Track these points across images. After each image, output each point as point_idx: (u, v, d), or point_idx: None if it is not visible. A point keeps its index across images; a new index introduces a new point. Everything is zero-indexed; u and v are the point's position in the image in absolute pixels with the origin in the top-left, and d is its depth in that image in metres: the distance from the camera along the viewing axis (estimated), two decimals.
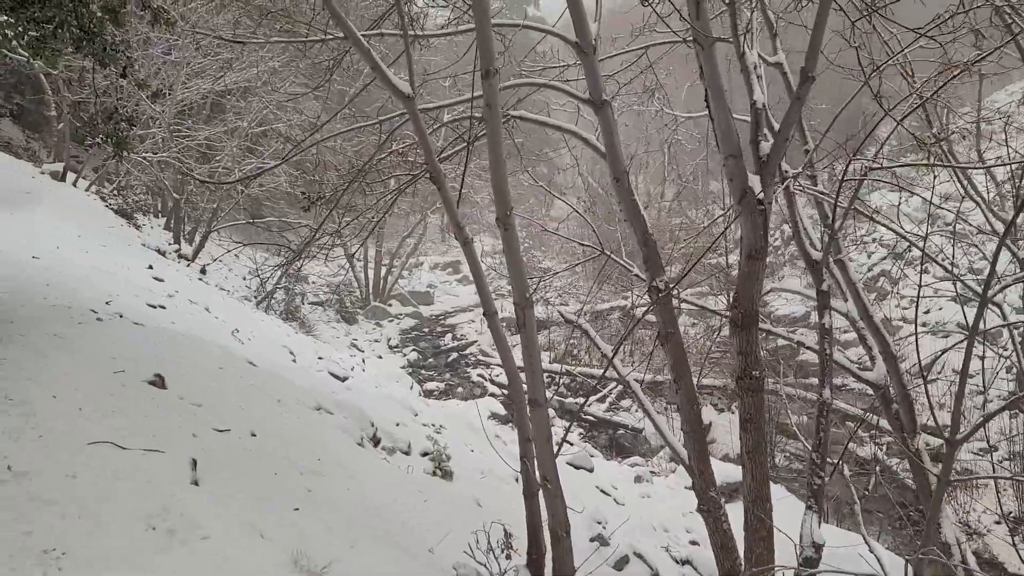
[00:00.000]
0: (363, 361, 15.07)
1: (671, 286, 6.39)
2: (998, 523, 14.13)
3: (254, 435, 5.42)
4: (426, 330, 24.38)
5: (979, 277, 25.60)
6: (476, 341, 22.53)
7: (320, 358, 11.91)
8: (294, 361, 10.44)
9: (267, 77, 22.00)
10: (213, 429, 5.12)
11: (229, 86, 19.98)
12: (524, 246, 39.87)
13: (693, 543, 10.03)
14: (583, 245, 8.37)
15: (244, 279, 25.21)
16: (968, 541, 13.14)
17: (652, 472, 14.37)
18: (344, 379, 10.85)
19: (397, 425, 8.65)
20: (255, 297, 22.06)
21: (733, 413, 18.64)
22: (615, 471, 12.29)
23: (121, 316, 8.21)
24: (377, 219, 7.27)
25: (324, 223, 6.85)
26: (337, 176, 6.90)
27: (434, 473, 7.89)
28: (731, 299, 5.87)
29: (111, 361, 5.75)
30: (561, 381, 20.00)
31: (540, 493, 5.65)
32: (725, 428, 17.73)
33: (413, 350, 21.50)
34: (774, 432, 17.31)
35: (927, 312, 25.00)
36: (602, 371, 19.56)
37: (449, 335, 23.68)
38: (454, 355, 21.43)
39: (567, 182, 26.35)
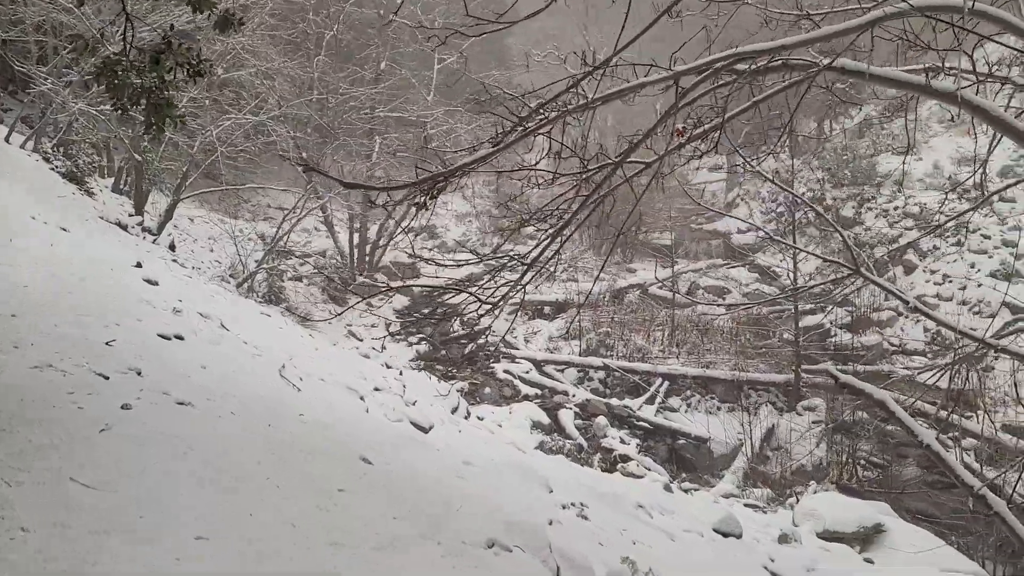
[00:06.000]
0: (400, 374, 12.19)
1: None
2: None
3: None
4: (426, 311, 21.36)
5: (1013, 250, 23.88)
6: (490, 327, 19.63)
7: (377, 389, 9.02)
8: (367, 411, 7.58)
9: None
10: None
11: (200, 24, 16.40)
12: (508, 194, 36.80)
13: None
14: None
15: (210, 249, 21.81)
16: None
17: (754, 507, 11.96)
18: (428, 429, 8.06)
19: (551, 524, 5.94)
20: (230, 276, 18.76)
21: (800, 414, 16.37)
22: (752, 526, 9.76)
23: (140, 374, 5.22)
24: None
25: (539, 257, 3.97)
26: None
27: None
28: None
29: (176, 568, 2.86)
30: (596, 377, 17.39)
31: None
32: (803, 433, 15.42)
33: (421, 338, 18.57)
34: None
35: (963, 288, 23.17)
36: (648, 366, 16.99)
37: (455, 319, 20.69)
38: (469, 344, 18.57)
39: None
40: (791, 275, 17.23)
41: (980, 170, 8.07)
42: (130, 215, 16.58)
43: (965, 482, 4.80)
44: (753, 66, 3.60)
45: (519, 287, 4.05)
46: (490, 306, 4.05)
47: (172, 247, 17.16)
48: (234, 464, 3.87)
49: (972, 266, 24.07)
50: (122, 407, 4.31)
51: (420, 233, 36.63)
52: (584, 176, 4.13)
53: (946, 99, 3.53)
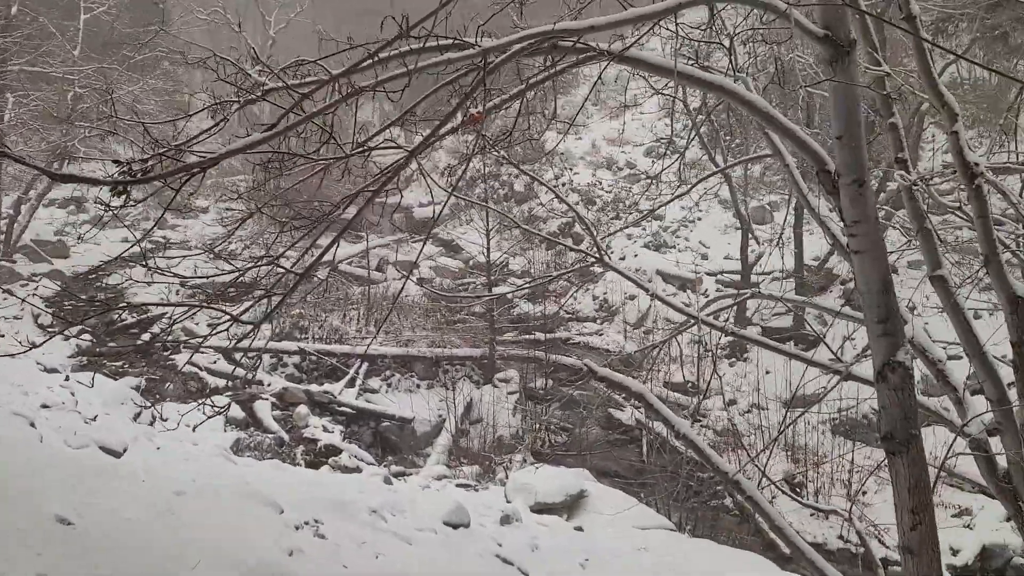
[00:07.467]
0: (66, 379, 10.15)
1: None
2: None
3: None
4: (84, 297, 18.43)
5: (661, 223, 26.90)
6: (166, 312, 17.51)
7: (46, 406, 7.24)
8: (42, 440, 6.02)
9: None
10: None
11: None
12: None
13: None
14: None
15: None
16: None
17: (467, 486, 11.97)
18: (121, 452, 6.65)
19: (291, 555, 5.18)
20: None
21: (496, 387, 16.82)
22: (474, 511, 9.61)
23: None
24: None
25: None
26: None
27: None
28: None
29: None
30: (291, 362, 16.34)
31: None
32: (501, 404, 15.88)
33: (81, 330, 15.99)
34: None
35: (623, 259, 25.52)
36: (346, 348, 16.38)
37: (122, 303, 18.04)
38: (141, 335, 16.37)
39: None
40: (484, 250, 17.61)
41: (679, 160, 8.64)
42: None
43: (720, 468, 4.95)
44: (559, 44, 3.21)
45: (286, 299, 3.30)
46: (253, 326, 3.22)
47: None
48: None
49: (629, 237, 26.60)
50: None
51: (67, 205, 31.82)
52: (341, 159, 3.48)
53: (752, 111, 3.44)
